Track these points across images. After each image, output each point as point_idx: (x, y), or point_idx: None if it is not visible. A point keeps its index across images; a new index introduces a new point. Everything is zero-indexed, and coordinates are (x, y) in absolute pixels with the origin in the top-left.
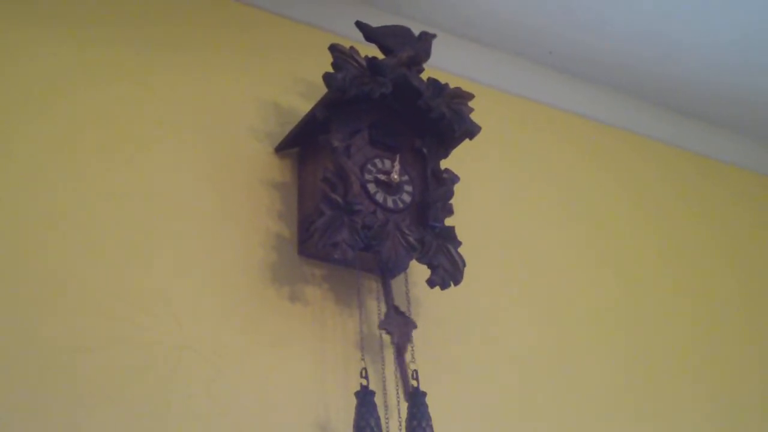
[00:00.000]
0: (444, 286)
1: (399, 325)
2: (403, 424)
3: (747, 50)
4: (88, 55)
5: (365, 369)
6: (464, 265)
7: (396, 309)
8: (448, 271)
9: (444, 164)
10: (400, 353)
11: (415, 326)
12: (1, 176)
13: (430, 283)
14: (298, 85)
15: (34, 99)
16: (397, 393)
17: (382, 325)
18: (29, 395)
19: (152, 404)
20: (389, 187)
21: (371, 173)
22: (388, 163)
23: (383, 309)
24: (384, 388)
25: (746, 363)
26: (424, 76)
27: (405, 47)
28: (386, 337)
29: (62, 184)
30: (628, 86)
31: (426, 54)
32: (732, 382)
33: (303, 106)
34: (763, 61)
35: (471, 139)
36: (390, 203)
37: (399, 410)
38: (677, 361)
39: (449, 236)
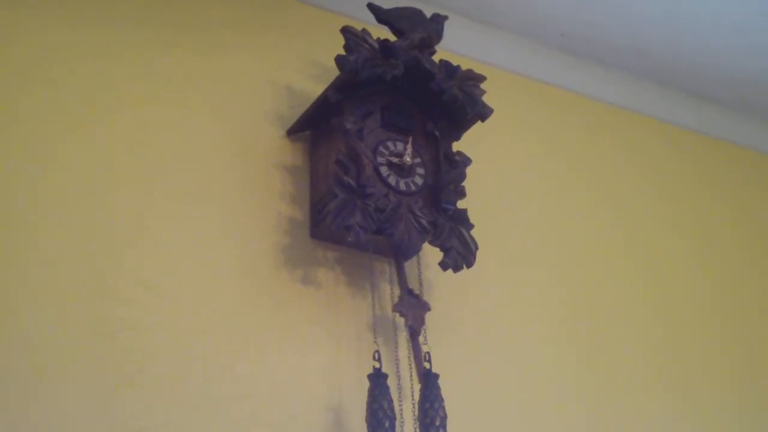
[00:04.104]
0: (456, 268)
1: (413, 308)
2: (416, 406)
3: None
4: (99, 35)
5: (378, 351)
6: (477, 247)
7: (410, 292)
8: (460, 253)
9: (456, 147)
10: (414, 336)
11: (429, 308)
12: (17, 161)
13: (443, 265)
14: (310, 67)
15: (42, 82)
16: (411, 375)
17: (397, 308)
18: (52, 379)
19: (169, 388)
20: (401, 170)
21: (383, 156)
22: (400, 145)
23: (396, 291)
24: (397, 371)
25: None
26: (436, 58)
27: (417, 29)
28: (399, 320)
29: (74, 169)
30: (640, 68)
31: (438, 36)
32: (756, 364)
33: (315, 89)
34: None
35: (483, 121)
36: (402, 186)
37: (412, 392)
38: (701, 347)
39: (462, 219)
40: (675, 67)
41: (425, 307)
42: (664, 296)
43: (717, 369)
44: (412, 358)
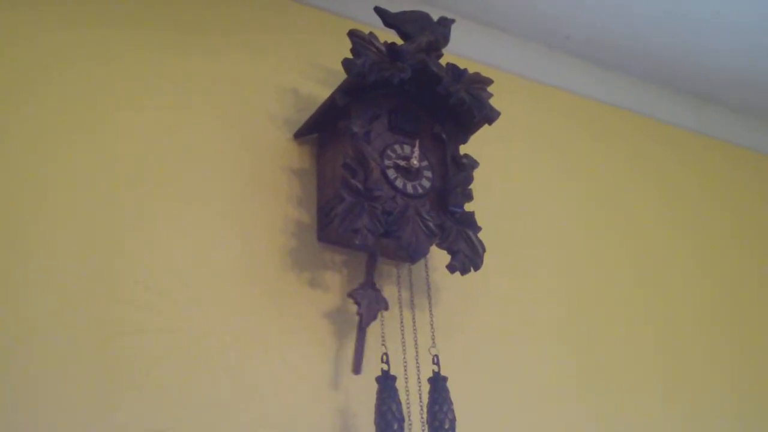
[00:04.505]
0: (464, 271)
1: (369, 298)
2: (424, 408)
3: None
4: (105, 35)
5: (386, 354)
6: (484, 250)
7: (373, 285)
8: (468, 256)
9: (463, 149)
10: (362, 325)
11: (386, 307)
12: (19, 162)
13: (450, 268)
14: (317, 71)
15: (44, 82)
16: (418, 378)
17: (351, 294)
18: (58, 382)
19: (176, 391)
20: (409, 173)
21: (391, 159)
22: (407, 148)
23: (403, 294)
24: (405, 373)
25: None
26: (442, 61)
27: (424, 33)
28: (407, 323)
29: (78, 172)
30: (648, 71)
31: (445, 39)
32: (756, 366)
33: (321, 93)
34: None
35: (490, 124)
36: (410, 189)
37: (420, 395)
38: (702, 348)
39: (469, 221)
40: (678, 69)
41: (382, 304)
42: (668, 298)
43: (718, 370)
44: (419, 361)
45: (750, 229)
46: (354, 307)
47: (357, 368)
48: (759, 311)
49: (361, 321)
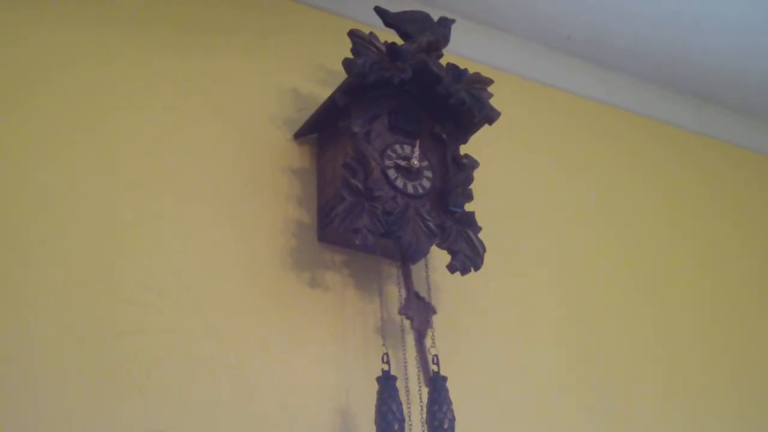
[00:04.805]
0: (464, 271)
1: (419, 310)
2: (425, 408)
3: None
4: (105, 35)
5: (386, 354)
6: (484, 250)
7: (416, 294)
8: (468, 256)
9: (463, 149)
10: (420, 338)
11: (434, 312)
12: (19, 162)
13: (451, 268)
14: (317, 71)
15: (44, 82)
16: (419, 378)
17: (403, 311)
18: (59, 383)
19: (176, 391)
20: (409, 173)
21: (391, 159)
22: (407, 148)
23: (404, 294)
24: (405, 373)
25: None
26: (443, 61)
27: (424, 33)
28: (407, 323)
29: (80, 172)
30: (648, 71)
31: (445, 39)
32: (756, 366)
33: (322, 93)
34: None
35: (490, 124)
36: (410, 189)
37: (420, 395)
38: (702, 348)
39: (469, 221)
40: (678, 69)
41: (431, 310)
42: (667, 299)
43: (718, 369)
44: (419, 361)
45: (750, 229)
46: (354, 308)
47: (427, 381)
48: (759, 311)
49: (419, 335)
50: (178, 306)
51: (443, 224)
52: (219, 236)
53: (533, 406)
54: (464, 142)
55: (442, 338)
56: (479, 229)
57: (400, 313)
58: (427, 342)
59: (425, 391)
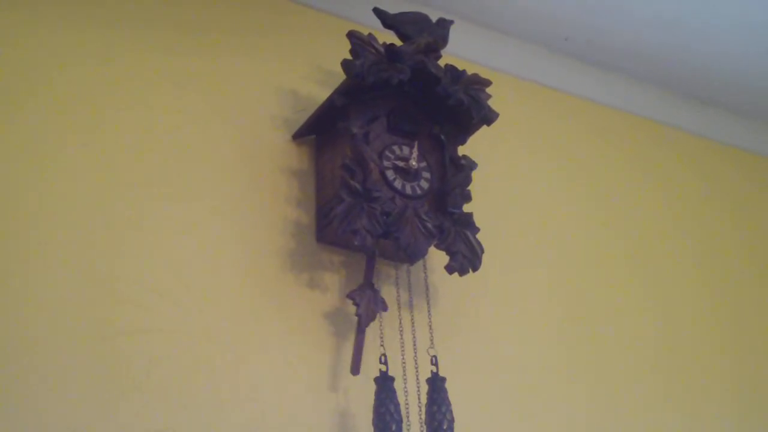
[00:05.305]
0: (462, 272)
1: (368, 299)
2: (423, 409)
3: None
4: (105, 35)
5: (384, 355)
6: (482, 251)
7: (371, 285)
8: (466, 257)
9: (462, 150)
10: (361, 325)
11: (385, 308)
12: (19, 163)
13: (449, 269)
14: (316, 72)
15: (44, 82)
16: (417, 379)
17: (351, 295)
18: (58, 383)
19: (175, 391)
20: (408, 174)
21: (390, 160)
22: (406, 149)
23: (402, 295)
24: (404, 374)
25: None
26: (441, 62)
27: (423, 34)
28: (405, 323)
29: (78, 172)
30: (643, 72)
31: (444, 41)
32: (756, 366)
33: (320, 94)
34: None
35: (489, 125)
36: (408, 190)
37: (418, 396)
38: (703, 350)
39: (467, 222)
40: (678, 71)
41: (380, 305)
42: (668, 301)
43: (718, 371)
44: (418, 361)
45: (752, 231)
46: (353, 308)
47: (356, 369)
48: (759, 311)
49: (360, 322)
50: (177, 306)
51: (441, 225)
52: (218, 237)
53: (532, 405)
54: (463, 143)
55: (441, 339)
56: (477, 230)
57: (347, 296)
58: (426, 342)
59: (424, 391)
